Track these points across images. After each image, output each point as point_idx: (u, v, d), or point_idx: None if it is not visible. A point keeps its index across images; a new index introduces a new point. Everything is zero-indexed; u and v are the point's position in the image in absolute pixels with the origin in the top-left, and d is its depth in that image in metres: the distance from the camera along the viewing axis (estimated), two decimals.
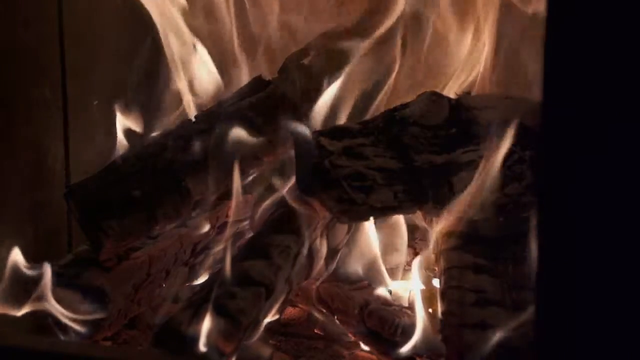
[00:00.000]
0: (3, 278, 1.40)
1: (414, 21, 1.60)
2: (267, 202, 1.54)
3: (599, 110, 0.84)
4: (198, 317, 1.27)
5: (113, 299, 1.43)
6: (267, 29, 1.66)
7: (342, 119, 1.54)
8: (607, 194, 0.85)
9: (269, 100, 1.52)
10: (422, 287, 1.53)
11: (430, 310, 1.44)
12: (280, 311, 1.47)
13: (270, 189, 1.56)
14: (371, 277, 1.54)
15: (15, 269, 1.40)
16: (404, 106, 1.41)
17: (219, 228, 1.62)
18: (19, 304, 1.39)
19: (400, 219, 1.59)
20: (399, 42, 1.59)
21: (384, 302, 1.45)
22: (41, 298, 1.38)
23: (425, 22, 1.60)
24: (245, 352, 1.31)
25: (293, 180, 1.45)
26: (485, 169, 1.33)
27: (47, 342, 1.36)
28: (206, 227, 1.59)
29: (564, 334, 0.88)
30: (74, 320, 1.40)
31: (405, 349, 1.36)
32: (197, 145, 1.48)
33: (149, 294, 1.52)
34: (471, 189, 1.33)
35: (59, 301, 1.40)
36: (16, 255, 1.41)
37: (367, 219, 1.43)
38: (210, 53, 1.68)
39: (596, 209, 0.85)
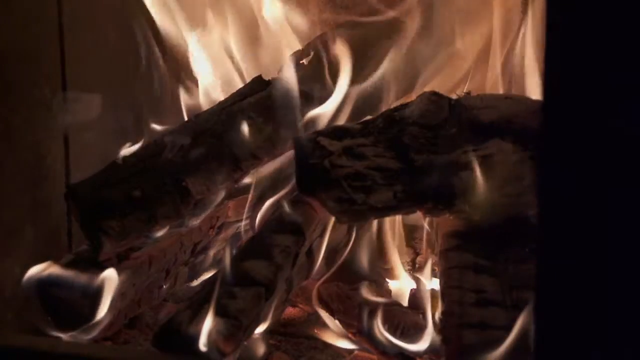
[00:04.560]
0: None
1: (415, 18, 1.60)
2: (267, 202, 1.54)
3: (599, 110, 0.84)
4: (198, 317, 1.27)
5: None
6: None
7: (342, 119, 1.54)
8: (608, 194, 0.85)
9: (269, 100, 1.52)
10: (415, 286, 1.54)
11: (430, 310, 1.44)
12: (280, 311, 1.47)
13: (271, 189, 1.56)
14: (371, 277, 1.54)
15: None
16: (404, 106, 1.41)
17: (219, 228, 1.62)
18: None
19: (399, 219, 1.59)
20: (399, 40, 1.59)
21: (384, 302, 1.45)
22: None
23: (426, 20, 1.60)
24: (243, 351, 1.31)
25: (293, 180, 1.45)
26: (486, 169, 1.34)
27: (47, 342, 1.36)
28: (206, 227, 1.59)
29: (564, 335, 0.88)
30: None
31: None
32: (197, 146, 1.48)
33: (149, 294, 1.52)
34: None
35: (59, 300, 1.40)
36: None
37: (367, 219, 1.43)
38: (211, 52, 1.68)
39: (596, 209, 0.85)
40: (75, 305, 1.40)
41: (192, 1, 1.69)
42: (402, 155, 1.36)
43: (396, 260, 1.60)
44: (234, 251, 1.43)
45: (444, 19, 1.58)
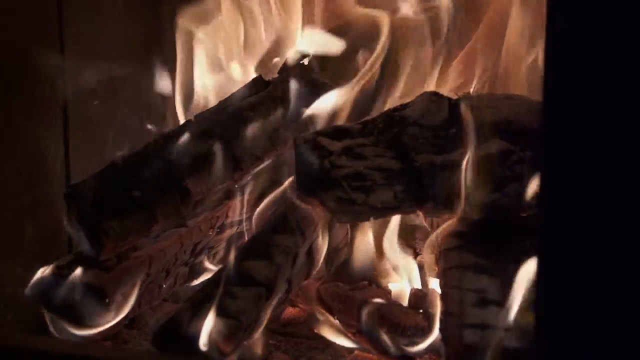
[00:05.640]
0: None
1: (416, 19, 1.60)
2: (267, 202, 1.54)
3: (599, 110, 0.84)
4: (198, 317, 1.27)
5: (113, 299, 1.42)
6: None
7: (342, 119, 1.54)
8: (608, 194, 0.85)
9: (270, 100, 1.52)
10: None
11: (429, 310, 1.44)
12: (280, 311, 1.47)
13: (270, 189, 1.56)
14: (371, 277, 1.54)
15: None
16: (404, 106, 1.41)
17: (219, 228, 1.62)
18: None
19: (400, 219, 1.59)
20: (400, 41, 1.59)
21: (384, 302, 1.45)
22: None
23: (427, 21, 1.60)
24: (243, 351, 1.31)
25: (293, 180, 1.45)
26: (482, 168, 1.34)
27: (47, 342, 1.36)
28: (206, 227, 1.59)
29: (565, 334, 0.88)
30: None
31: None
32: (197, 146, 1.48)
33: (149, 294, 1.52)
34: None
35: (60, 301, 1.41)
36: None
37: (367, 219, 1.43)
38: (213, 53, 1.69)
39: (596, 209, 0.85)
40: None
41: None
42: (402, 155, 1.36)
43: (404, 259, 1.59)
44: (234, 251, 1.43)
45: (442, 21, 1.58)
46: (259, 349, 1.37)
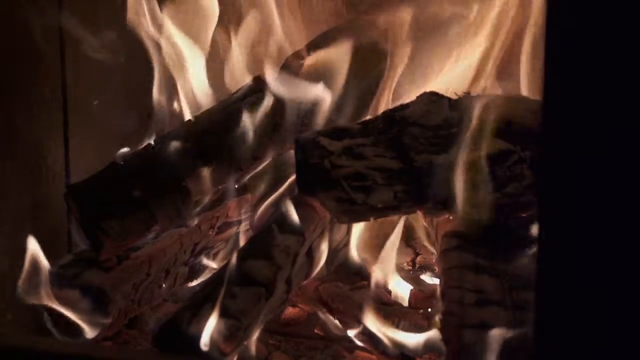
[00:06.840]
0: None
1: (414, 20, 1.60)
2: (267, 202, 1.54)
3: (600, 110, 0.84)
4: (198, 317, 1.27)
5: (113, 299, 1.43)
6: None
7: (342, 119, 1.54)
8: (607, 194, 0.85)
9: (269, 100, 1.52)
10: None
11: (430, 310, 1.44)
12: (280, 311, 1.47)
13: (271, 189, 1.56)
14: (371, 277, 1.54)
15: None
16: (404, 106, 1.41)
17: (219, 228, 1.62)
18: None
19: (400, 219, 1.59)
20: (397, 41, 1.59)
21: (384, 302, 1.45)
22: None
23: (425, 22, 1.60)
24: (243, 351, 1.32)
25: (293, 180, 1.45)
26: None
27: (47, 342, 1.36)
28: (206, 227, 1.59)
29: (564, 334, 0.88)
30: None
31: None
32: (197, 146, 1.48)
33: (149, 294, 1.52)
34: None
35: (58, 301, 1.40)
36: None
37: (367, 219, 1.43)
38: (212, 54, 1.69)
39: (596, 209, 0.85)
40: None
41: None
42: (402, 155, 1.36)
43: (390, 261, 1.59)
44: (234, 251, 1.43)
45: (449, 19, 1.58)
46: (258, 349, 1.37)
